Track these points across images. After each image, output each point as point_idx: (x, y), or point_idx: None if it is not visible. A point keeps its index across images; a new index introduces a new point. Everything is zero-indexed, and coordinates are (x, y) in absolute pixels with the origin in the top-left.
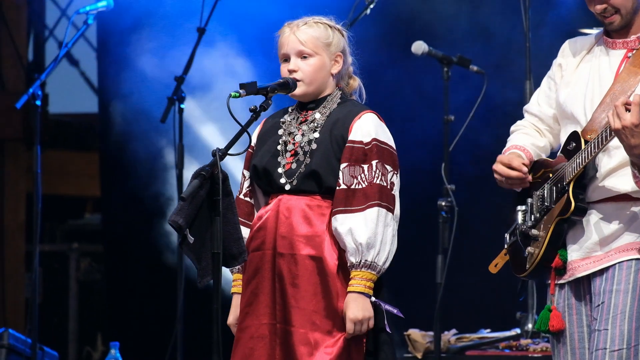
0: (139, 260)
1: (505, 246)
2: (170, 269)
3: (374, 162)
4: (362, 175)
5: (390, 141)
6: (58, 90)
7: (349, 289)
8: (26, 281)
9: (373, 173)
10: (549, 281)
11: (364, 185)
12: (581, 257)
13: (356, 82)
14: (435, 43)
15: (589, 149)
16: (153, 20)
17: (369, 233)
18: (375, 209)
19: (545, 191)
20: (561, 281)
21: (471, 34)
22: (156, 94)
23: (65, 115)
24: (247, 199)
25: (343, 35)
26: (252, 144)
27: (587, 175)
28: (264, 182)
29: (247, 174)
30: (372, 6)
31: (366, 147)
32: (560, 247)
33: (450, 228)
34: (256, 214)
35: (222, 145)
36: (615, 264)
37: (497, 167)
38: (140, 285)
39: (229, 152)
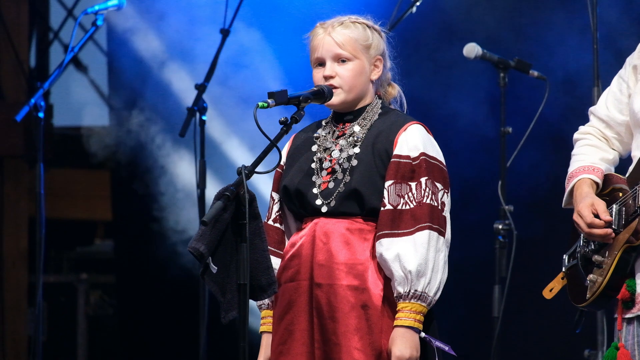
0: (156, 293)
1: (563, 269)
2: (191, 303)
3: (423, 180)
4: (410, 194)
5: (440, 156)
6: (64, 100)
7: (396, 322)
8: (29, 316)
9: (422, 192)
10: (616, 315)
11: (412, 206)
12: None
13: (395, 90)
14: (490, 45)
15: None
16: (171, 21)
17: (419, 259)
18: (426, 232)
19: (613, 213)
20: (629, 315)
21: (530, 35)
22: (175, 104)
23: (71, 129)
24: (277, 225)
25: (382, 37)
26: (282, 163)
27: None
28: (297, 204)
29: (276, 196)
30: (418, 3)
31: (414, 163)
32: (628, 277)
33: (509, 254)
34: (288, 241)
35: (248, 162)
36: None
37: (577, 219)
38: (157, 321)
39: (257, 170)
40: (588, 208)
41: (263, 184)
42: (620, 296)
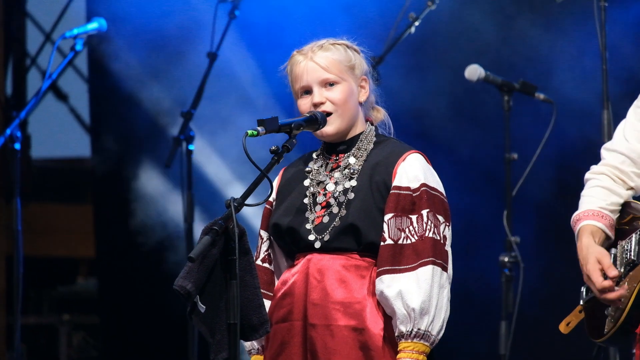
0: (142, 334)
1: (581, 302)
2: (179, 344)
3: (424, 212)
4: (411, 227)
5: (440, 187)
6: (42, 130)
7: None
8: None
9: (424, 225)
10: (634, 350)
11: (413, 240)
12: None
13: (381, 113)
14: (493, 67)
15: None
16: (155, 45)
17: (423, 296)
18: (429, 267)
19: (632, 243)
20: None
21: (536, 56)
22: (160, 133)
23: (51, 161)
24: (266, 265)
25: (362, 56)
26: (271, 199)
27: None
28: (288, 241)
29: (264, 235)
30: (417, 24)
31: (414, 195)
32: None
33: (515, 288)
34: (279, 279)
35: (238, 194)
36: None
37: (588, 282)
38: None
39: (247, 202)
40: (596, 270)
41: (254, 218)
42: (639, 330)
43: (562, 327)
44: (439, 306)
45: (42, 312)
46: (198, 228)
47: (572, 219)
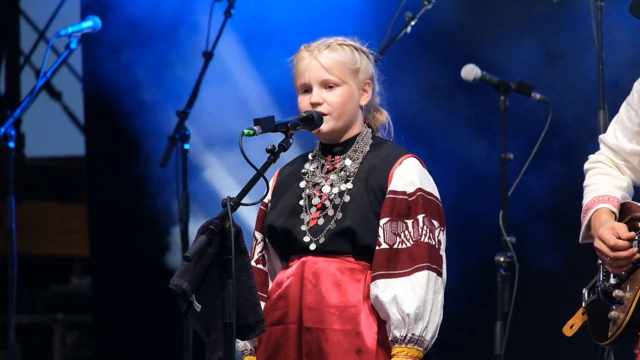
0: (137, 333)
1: (583, 304)
2: (174, 343)
3: (420, 217)
4: (407, 232)
5: (436, 191)
6: (36, 129)
7: None
8: (1, 359)
9: (419, 230)
10: (636, 351)
11: (409, 245)
12: None
13: (384, 116)
14: (489, 67)
15: None
16: (150, 44)
17: (418, 302)
18: (425, 272)
19: (633, 245)
20: None
21: (532, 56)
22: (155, 133)
23: (45, 160)
24: (260, 266)
25: (370, 59)
26: (266, 200)
27: None
28: (283, 242)
29: (259, 236)
30: (413, 23)
31: (410, 199)
32: None
33: (511, 288)
34: (273, 281)
35: (234, 193)
36: None
37: (599, 245)
38: None
39: (243, 201)
40: (610, 231)
41: (250, 217)
42: None
43: (566, 330)
44: (434, 311)
45: (36, 311)
46: (193, 227)
47: (582, 210)
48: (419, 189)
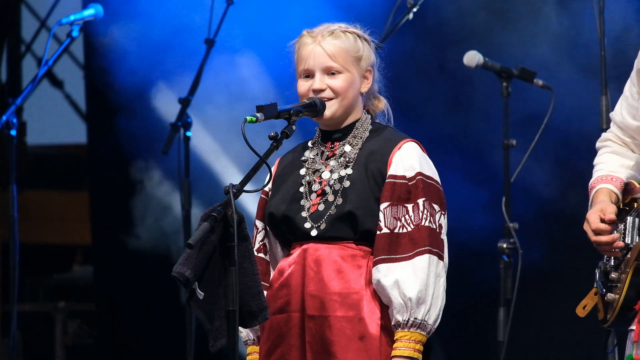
0: (139, 321)
1: (595, 284)
2: (177, 331)
3: (420, 201)
4: (407, 216)
5: (436, 175)
6: (38, 117)
7: (394, 352)
8: (3, 348)
9: (420, 214)
10: (633, 326)
11: (410, 229)
12: None
13: (382, 103)
14: (492, 53)
15: None
16: (152, 31)
17: (420, 286)
18: (426, 256)
19: (628, 225)
20: None
21: (535, 41)
22: (157, 120)
23: (47, 148)
24: (261, 255)
25: (371, 47)
26: (267, 188)
27: None
28: (284, 230)
29: (260, 225)
30: (415, 9)
31: (410, 183)
32: None
33: (514, 275)
34: (275, 269)
35: (236, 180)
36: None
37: (586, 228)
38: (141, 351)
39: (245, 188)
40: (596, 213)
41: (252, 204)
42: (638, 307)
43: (579, 311)
44: (436, 295)
45: (38, 300)
46: (196, 215)
47: (589, 188)
48: (419, 173)
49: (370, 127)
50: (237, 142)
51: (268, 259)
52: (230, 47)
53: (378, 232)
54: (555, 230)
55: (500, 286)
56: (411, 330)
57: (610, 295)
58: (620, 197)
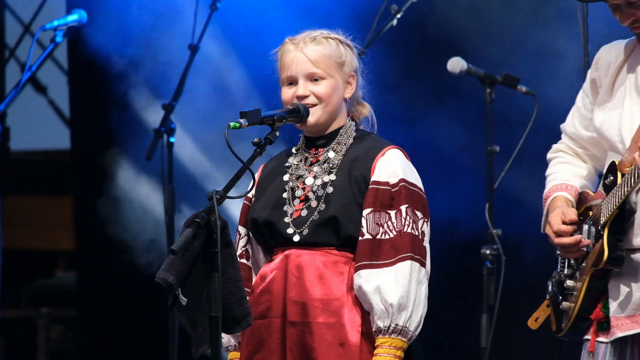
0: (122, 328)
1: (547, 296)
2: (160, 337)
3: (402, 208)
4: (390, 222)
5: (419, 183)
6: (21, 123)
7: (374, 358)
8: None
9: (403, 220)
10: (588, 336)
11: (392, 235)
12: (626, 314)
13: (366, 109)
14: (476, 60)
15: (624, 184)
16: (135, 37)
17: (401, 292)
18: (408, 262)
19: (584, 233)
20: (603, 339)
21: (518, 49)
22: (140, 126)
23: (30, 153)
24: (243, 260)
25: (354, 53)
26: (250, 194)
27: (627, 215)
28: (267, 235)
29: (242, 231)
30: (399, 16)
31: (393, 190)
32: (604, 296)
33: (497, 281)
34: (257, 274)
35: (220, 186)
36: None
37: (548, 231)
38: (124, 357)
39: (229, 194)
40: (557, 216)
41: (236, 210)
42: (594, 316)
43: (531, 323)
44: (417, 302)
45: (21, 306)
46: (179, 221)
47: (542, 200)
48: (402, 180)
49: (354, 133)
50: (221, 147)
51: (250, 265)
52: (213, 53)
53: (360, 238)
54: (538, 236)
55: (483, 292)
56: (392, 336)
57: (565, 304)
58: (575, 204)
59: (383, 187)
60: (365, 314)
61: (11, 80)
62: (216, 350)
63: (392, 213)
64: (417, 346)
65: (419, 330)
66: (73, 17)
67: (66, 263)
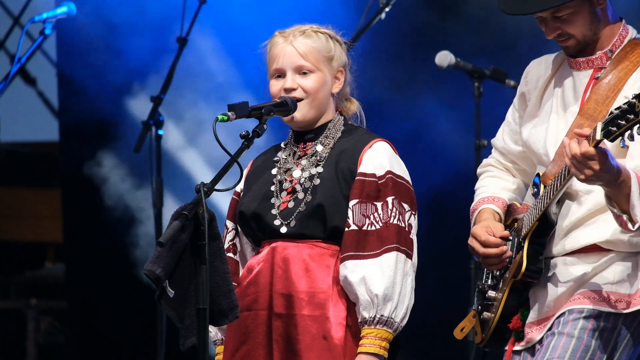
0: (110, 319)
1: (473, 307)
2: (148, 329)
3: (389, 199)
4: (376, 214)
5: (407, 175)
6: (10, 114)
7: (359, 349)
8: None
9: (389, 212)
10: (506, 347)
11: (378, 226)
12: (537, 319)
13: (354, 105)
14: (464, 53)
15: (546, 196)
16: (125, 29)
17: (386, 283)
18: (393, 253)
19: (509, 244)
20: (518, 347)
21: (506, 42)
22: (128, 118)
23: (19, 145)
24: (230, 254)
25: (343, 48)
26: (238, 189)
27: (548, 227)
28: (254, 227)
29: (230, 225)
30: (387, 9)
31: (380, 182)
32: (524, 306)
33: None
34: (244, 266)
35: (207, 179)
36: (565, 312)
37: (472, 242)
38: (112, 349)
39: (216, 187)
40: (482, 228)
41: (223, 203)
42: (512, 325)
43: (457, 333)
44: (403, 293)
45: (9, 297)
46: (167, 213)
47: (470, 212)
48: (389, 172)
49: (342, 127)
50: (209, 140)
51: (237, 259)
52: (202, 45)
53: (346, 229)
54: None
55: (470, 286)
56: (377, 327)
57: (486, 314)
58: (502, 217)
59: (370, 178)
60: (351, 308)
61: (0, 72)
62: (203, 343)
63: (379, 204)
64: (403, 338)
65: (405, 322)
66: (62, 10)
67: (55, 255)
